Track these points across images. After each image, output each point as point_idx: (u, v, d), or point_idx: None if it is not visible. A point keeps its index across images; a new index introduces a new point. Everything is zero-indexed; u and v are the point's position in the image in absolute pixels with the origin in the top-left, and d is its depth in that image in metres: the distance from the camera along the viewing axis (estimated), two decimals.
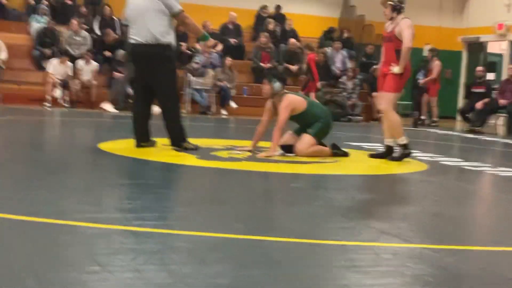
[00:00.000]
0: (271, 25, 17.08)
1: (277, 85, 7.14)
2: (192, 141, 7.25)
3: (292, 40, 16.46)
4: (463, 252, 3.46)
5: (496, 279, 2.96)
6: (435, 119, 16.01)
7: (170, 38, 6.93)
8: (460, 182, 6.49)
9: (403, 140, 7.22)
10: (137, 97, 7.25)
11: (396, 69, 7.08)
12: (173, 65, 7.13)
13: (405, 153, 7.21)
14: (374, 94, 15.17)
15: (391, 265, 3.06)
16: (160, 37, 6.84)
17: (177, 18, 7.03)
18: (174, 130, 7.09)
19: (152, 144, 7.19)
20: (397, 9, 7.23)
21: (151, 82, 6.98)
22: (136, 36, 6.90)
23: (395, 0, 7.22)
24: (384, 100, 7.23)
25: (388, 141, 7.32)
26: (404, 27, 7.10)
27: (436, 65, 15.86)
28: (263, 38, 16.22)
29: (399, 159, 7.19)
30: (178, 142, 7.09)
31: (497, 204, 5.46)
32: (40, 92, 14.08)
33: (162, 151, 6.98)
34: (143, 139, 7.12)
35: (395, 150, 7.33)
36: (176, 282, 2.57)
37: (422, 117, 16.11)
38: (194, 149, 7.05)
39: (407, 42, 7.04)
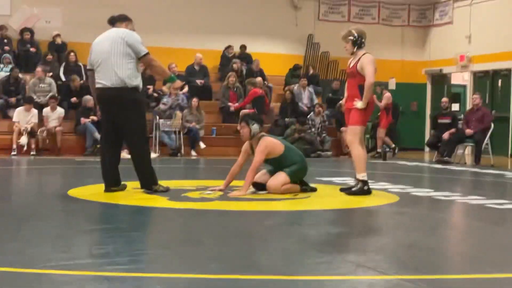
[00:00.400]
0: (237, 64, 17.19)
1: (255, 127, 7.14)
2: (163, 183, 7.20)
3: (259, 79, 16.57)
4: (439, 281, 3.45)
5: None
6: (392, 145, 16.12)
7: (137, 81, 6.92)
8: (432, 211, 6.52)
9: (363, 176, 7.18)
10: (105, 142, 7.19)
11: (359, 104, 7.13)
12: (142, 108, 7.10)
13: (364, 190, 7.18)
14: (342, 128, 15.32)
15: None
16: (128, 80, 6.82)
17: (144, 61, 7.02)
18: (144, 173, 7.04)
19: (122, 188, 7.11)
20: (358, 44, 7.30)
21: (120, 125, 6.94)
22: (103, 80, 6.87)
23: (356, 35, 7.30)
24: (350, 133, 7.28)
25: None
26: (366, 63, 7.16)
27: (385, 97, 16.08)
28: (232, 77, 16.30)
29: (356, 193, 7.14)
30: (149, 184, 7.03)
31: (470, 232, 5.48)
32: (5, 141, 13.93)
33: (132, 194, 6.90)
34: (113, 183, 7.05)
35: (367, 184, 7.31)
36: None
37: (378, 150, 16.25)
38: (165, 191, 6.99)
39: (369, 78, 7.11)
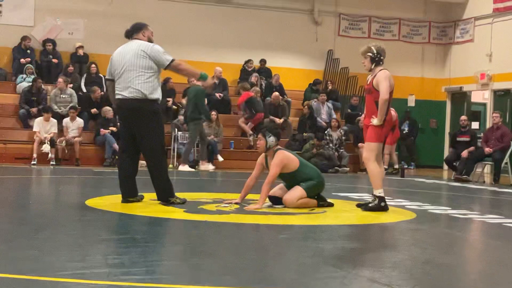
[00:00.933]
0: (255, 78, 17.26)
1: (271, 139, 7.15)
2: (180, 195, 7.23)
3: (275, 94, 16.62)
4: None
5: None
6: (396, 166, 16.08)
7: (157, 94, 6.96)
8: (449, 229, 6.48)
9: (380, 192, 7.16)
10: (123, 153, 7.24)
11: (375, 121, 7.12)
12: (160, 120, 7.13)
13: (381, 206, 7.15)
14: (360, 144, 15.29)
15: None
16: (147, 93, 6.86)
17: (171, 69, 7.03)
18: (160, 185, 7.07)
19: (139, 199, 7.15)
20: (376, 61, 7.30)
21: (138, 137, 6.99)
22: (123, 91, 6.93)
23: (374, 52, 7.30)
24: (366, 150, 7.26)
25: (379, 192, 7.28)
26: (381, 79, 7.15)
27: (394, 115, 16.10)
28: (257, 93, 16.36)
29: (373, 210, 7.12)
30: (165, 196, 7.06)
31: (487, 250, 5.44)
32: (26, 150, 14.07)
33: (149, 205, 6.94)
34: (130, 194, 7.09)
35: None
36: None
37: (385, 167, 16.22)
38: (182, 203, 7.01)
39: (382, 94, 7.09)
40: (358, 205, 7.42)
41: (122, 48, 7.05)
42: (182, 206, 6.89)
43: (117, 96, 7.01)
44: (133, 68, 6.86)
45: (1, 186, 9.55)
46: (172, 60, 6.95)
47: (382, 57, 7.32)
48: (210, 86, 6.74)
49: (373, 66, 7.32)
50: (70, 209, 6.67)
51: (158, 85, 7.00)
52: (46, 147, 13.85)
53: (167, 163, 7.30)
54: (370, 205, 7.17)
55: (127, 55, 6.91)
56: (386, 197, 7.31)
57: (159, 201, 7.05)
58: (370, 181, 7.26)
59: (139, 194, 7.16)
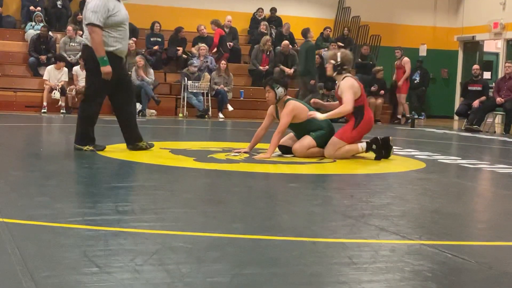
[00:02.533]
0: (263, 27, 17.09)
1: (280, 90, 7.11)
2: (189, 144, 7.23)
3: (285, 42, 16.45)
4: (463, 248, 3.45)
5: (496, 273, 2.95)
6: (407, 115, 16.06)
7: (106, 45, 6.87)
8: (458, 179, 6.48)
9: (362, 146, 7.11)
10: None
11: (319, 115, 6.95)
12: (96, 67, 6.88)
13: (375, 148, 7.11)
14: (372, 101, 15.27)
15: (390, 261, 3.05)
16: (86, 39, 6.92)
17: (87, 28, 6.84)
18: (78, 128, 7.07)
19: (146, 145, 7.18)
20: (337, 70, 7.20)
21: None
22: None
23: (338, 60, 7.18)
24: (329, 144, 7.08)
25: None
26: (345, 89, 7.05)
27: (406, 61, 16.10)
28: (269, 43, 16.22)
29: (379, 153, 7.10)
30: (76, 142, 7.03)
31: (496, 200, 5.45)
32: (36, 99, 14.08)
33: (159, 154, 6.96)
34: (133, 140, 7.14)
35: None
36: (174, 282, 2.56)
37: (399, 116, 16.27)
38: (100, 149, 6.97)
39: (346, 105, 6.98)
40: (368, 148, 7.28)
41: None
42: (190, 154, 6.90)
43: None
44: (84, 17, 6.94)
45: (12, 134, 9.60)
46: (88, 24, 6.78)
47: (345, 67, 7.22)
48: (105, 74, 6.71)
49: (334, 74, 7.24)
50: (80, 156, 6.70)
51: (110, 37, 6.85)
52: (56, 94, 13.86)
53: (87, 112, 7.04)
54: (376, 156, 7.11)
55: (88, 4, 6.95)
56: (395, 147, 7.29)
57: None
58: (350, 154, 7.20)
59: (146, 142, 7.20)
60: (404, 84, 16.24)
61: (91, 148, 6.91)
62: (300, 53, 14.84)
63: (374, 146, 7.13)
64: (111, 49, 6.84)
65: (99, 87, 6.93)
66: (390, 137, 7.27)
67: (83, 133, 6.99)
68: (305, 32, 14.82)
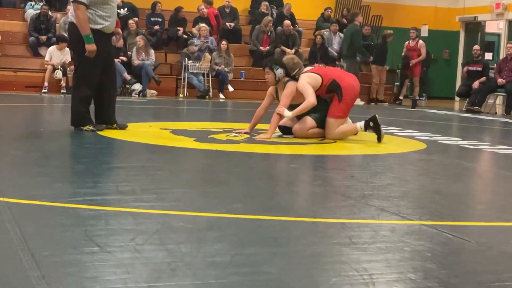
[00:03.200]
0: (263, 7, 17.01)
1: (279, 71, 7.08)
2: (190, 124, 7.23)
3: (287, 22, 16.38)
4: (463, 228, 3.46)
5: (495, 253, 2.96)
6: (417, 98, 16.02)
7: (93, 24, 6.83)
8: (459, 160, 6.48)
9: (360, 125, 7.07)
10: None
11: (287, 112, 6.91)
12: (81, 47, 6.83)
13: (372, 125, 7.06)
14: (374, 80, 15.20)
15: (390, 241, 3.06)
16: (72, 17, 6.88)
17: (73, 5, 6.78)
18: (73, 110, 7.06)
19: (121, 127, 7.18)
20: (294, 79, 7.08)
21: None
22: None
23: (283, 75, 7.07)
24: (326, 126, 7.10)
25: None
26: (301, 88, 6.98)
27: (423, 45, 15.92)
28: (270, 24, 16.15)
29: (379, 133, 7.06)
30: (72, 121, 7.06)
31: (497, 181, 5.45)
32: (36, 79, 14.05)
33: (159, 134, 6.96)
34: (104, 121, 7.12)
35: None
36: (175, 261, 2.57)
37: (400, 98, 16.21)
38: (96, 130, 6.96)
39: (309, 99, 6.89)
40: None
41: None
42: (191, 135, 6.90)
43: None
44: None
45: (12, 113, 9.59)
46: (74, 1, 6.71)
47: (294, 73, 7.13)
48: (90, 52, 6.66)
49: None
50: (80, 137, 6.70)
51: (96, 16, 6.81)
52: (58, 73, 13.82)
53: (80, 91, 6.96)
54: (377, 137, 7.08)
55: None
56: (396, 128, 7.28)
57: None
58: (349, 135, 7.19)
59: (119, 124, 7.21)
60: (418, 66, 16.09)
61: (90, 128, 6.90)
62: (345, 35, 15.27)
63: (371, 124, 7.09)
64: (98, 27, 6.80)
65: (88, 68, 6.87)
66: (377, 115, 7.19)
67: (79, 115, 6.96)
68: (352, 16, 15.17)
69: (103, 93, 7.02)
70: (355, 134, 7.25)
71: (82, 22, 6.71)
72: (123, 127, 7.15)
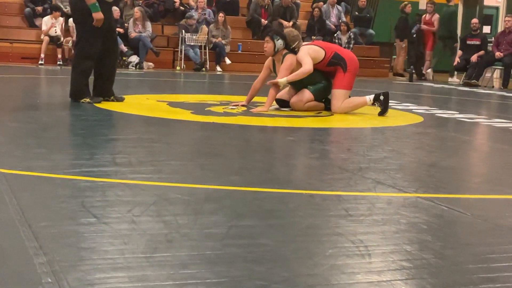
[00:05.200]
0: None
1: (279, 42, 7.04)
2: (187, 97, 7.22)
3: None
4: (459, 201, 3.47)
5: (491, 226, 2.98)
6: (426, 71, 15.99)
7: None
8: (455, 133, 6.49)
9: (370, 98, 7.08)
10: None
11: (281, 80, 6.89)
12: (85, 18, 6.82)
13: (382, 100, 7.06)
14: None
15: (386, 213, 3.07)
16: None
17: None
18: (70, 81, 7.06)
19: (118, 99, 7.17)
20: (293, 52, 7.04)
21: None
22: None
23: (282, 47, 7.03)
24: (334, 98, 7.12)
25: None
26: (300, 58, 6.96)
27: (437, 19, 15.84)
28: None
29: (385, 107, 7.06)
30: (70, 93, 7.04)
31: (493, 154, 5.47)
32: (33, 50, 13.98)
33: (157, 107, 6.95)
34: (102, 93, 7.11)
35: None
36: (171, 232, 2.58)
37: (424, 72, 16.10)
38: (89, 101, 6.95)
39: (306, 66, 6.87)
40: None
41: None
42: (188, 107, 6.89)
43: None
44: None
45: (8, 85, 9.56)
46: None
47: (294, 45, 7.08)
48: (97, 21, 6.64)
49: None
50: (77, 109, 6.69)
51: None
52: (57, 30, 13.72)
53: (82, 64, 6.96)
54: (380, 110, 7.08)
55: None
56: (392, 101, 7.28)
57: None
58: (356, 109, 7.17)
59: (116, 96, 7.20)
60: (431, 40, 16.03)
61: (87, 100, 6.88)
62: (444, 17, 15.82)
63: (381, 97, 7.07)
64: None
65: (90, 39, 6.83)
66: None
67: (78, 88, 6.93)
68: None
69: (102, 65, 6.99)
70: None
71: None
72: (120, 99, 7.14)
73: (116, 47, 7.26)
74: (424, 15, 16.09)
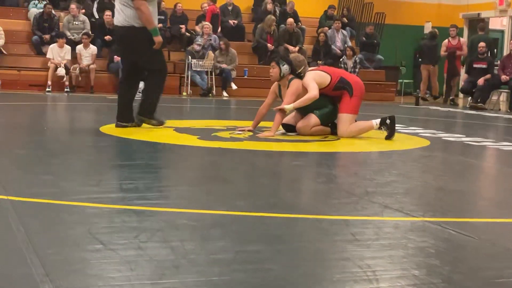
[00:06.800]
0: (270, 5, 17.00)
1: (285, 67, 7.07)
2: (193, 122, 7.23)
3: (290, 20, 16.36)
4: (467, 224, 3.45)
5: (499, 250, 2.96)
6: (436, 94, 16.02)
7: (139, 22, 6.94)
8: (462, 156, 6.48)
9: (376, 123, 7.07)
10: (124, 80, 7.36)
11: (287, 106, 6.90)
12: (149, 43, 7.02)
13: (389, 124, 7.06)
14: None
15: (393, 238, 3.06)
16: (133, 21, 6.92)
17: (134, 4, 6.89)
18: (145, 101, 7.20)
19: (135, 125, 7.19)
20: (299, 77, 7.07)
21: (134, 63, 7.16)
22: (115, 18, 7.13)
23: (283, 62, 7.06)
24: (340, 122, 7.12)
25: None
26: (306, 83, 6.97)
27: (464, 43, 15.92)
28: (274, 24, 16.13)
29: (392, 131, 7.05)
30: (143, 113, 7.14)
31: (501, 178, 5.45)
32: (40, 77, 14.07)
33: (163, 132, 6.97)
34: (126, 119, 7.15)
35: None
36: (178, 258, 2.57)
37: (452, 97, 16.06)
38: (157, 124, 7.10)
39: (312, 92, 6.87)
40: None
41: None
42: (195, 133, 6.91)
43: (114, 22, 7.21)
44: None
45: (16, 112, 9.61)
46: None
47: (300, 70, 7.11)
48: (158, 44, 7.00)
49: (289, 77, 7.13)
50: (84, 135, 6.71)
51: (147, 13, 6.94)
52: (61, 70, 13.82)
53: (159, 85, 7.25)
54: (387, 134, 7.07)
55: None
56: (399, 125, 7.27)
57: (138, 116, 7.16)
58: (363, 133, 7.17)
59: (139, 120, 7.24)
60: (458, 65, 16.07)
61: (153, 121, 7.10)
62: (472, 42, 15.72)
63: (388, 121, 7.07)
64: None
65: (159, 56, 7.17)
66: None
67: (154, 104, 7.14)
68: (481, 26, 16.03)
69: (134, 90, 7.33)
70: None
71: (148, 16, 6.93)
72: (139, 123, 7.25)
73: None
74: (447, 40, 16.10)
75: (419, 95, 15.61)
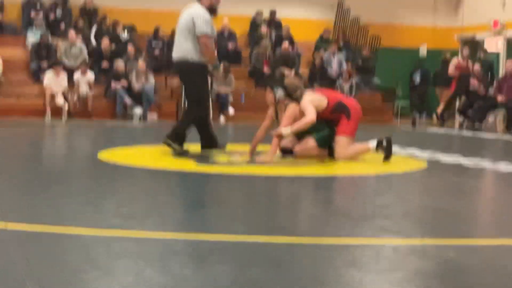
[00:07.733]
0: (264, 29, 17.10)
1: (279, 93, 7.10)
2: (190, 147, 7.25)
3: (285, 43, 16.42)
4: (465, 247, 3.45)
5: (499, 272, 2.96)
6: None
7: (194, 56, 7.21)
8: (460, 178, 6.48)
9: (373, 144, 7.09)
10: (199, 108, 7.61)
11: (284, 130, 6.87)
12: (197, 78, 7.33)
13: (385, 146, 7.06)
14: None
15: (392, 261, 3.06)
16: (188, 55, 7.20)
17: (200, 40, 7.16)
18: (176, 126, 7.33)
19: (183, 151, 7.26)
20: (296, 100, 7.05)
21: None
22: (173, 52, 7.43)
23: (282, 98, 7.10)
24: (338, 145, 7.09)
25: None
26: (303, 106, 6.95)
27: (478, 68, 15.98)
28: (270, 48, 16.23)
29: (389, 153, 7.06)
30: (169, 136, 7.17)
31: (499, 199, 5.45)
32: (38, 105, 14.09)
33: (161, 158, 6.97)
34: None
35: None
36: (177, 284, 2.57)
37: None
38: (178, 153, 7.07)
39: (309, 115, 6.84)
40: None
41: (184, 11, 7.38)
42: (193, 157, 6.92)
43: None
44: (180, 31, 7.27)
45: (15, 139, 9.61)
46: (204, 35, 7.12)
47: (295, 94, 7.08)
48: (213, 71, 7.42)
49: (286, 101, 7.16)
50: (83, 162, 6.72)
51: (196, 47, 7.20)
52: (59, 100, 13.85)
53: (196, 115, 7.37)
54: (384, 156, 7.08)
55: (181, 18, 7.30)
56: (396, 147, 7.28)
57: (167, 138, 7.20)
58: (361, 156, 7.19)
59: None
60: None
61: (179, 148, 7.12)
62: (483, 65, 15.79)
63: (384, 143, 7.08)
64: (203, 59, 7.27)
65: (204, 91, 7.45)
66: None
67: (182, 133, 7.23)
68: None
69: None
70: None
71: (212, 52, 7.32)
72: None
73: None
74: (457, 60, 16.11)
75: (414, 116, 15.62)
